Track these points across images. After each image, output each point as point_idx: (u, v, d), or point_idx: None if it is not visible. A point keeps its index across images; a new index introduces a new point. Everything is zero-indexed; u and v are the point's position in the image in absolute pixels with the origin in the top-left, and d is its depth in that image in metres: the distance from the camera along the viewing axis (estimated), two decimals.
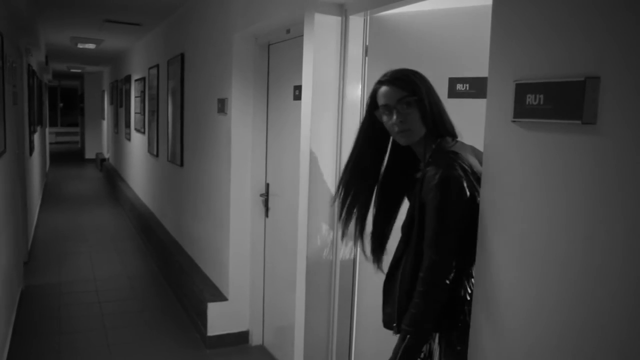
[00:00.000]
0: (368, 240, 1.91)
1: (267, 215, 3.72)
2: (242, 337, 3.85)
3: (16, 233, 4.64)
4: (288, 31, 3.26)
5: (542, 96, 1.33)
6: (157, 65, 6.43)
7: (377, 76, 2.54)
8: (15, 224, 4.60)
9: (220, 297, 3.89)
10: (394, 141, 1.80)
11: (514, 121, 1.42)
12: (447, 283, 1.57)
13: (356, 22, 2.57)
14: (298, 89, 3.17)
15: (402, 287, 1.67)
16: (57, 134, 21.04)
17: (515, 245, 1.45)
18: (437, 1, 2.27)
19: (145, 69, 7.29)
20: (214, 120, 4.14)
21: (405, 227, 1.72)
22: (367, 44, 2.57)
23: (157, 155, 6.56)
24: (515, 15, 1.44)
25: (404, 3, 2.25)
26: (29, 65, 7.23)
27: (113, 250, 6.32)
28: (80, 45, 8.30)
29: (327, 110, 2.64)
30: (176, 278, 4.81)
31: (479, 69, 2.18)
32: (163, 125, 6.12)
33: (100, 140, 15.97)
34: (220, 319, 3.79)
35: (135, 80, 8.34)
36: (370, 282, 2.46)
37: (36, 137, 8.55)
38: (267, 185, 3.71)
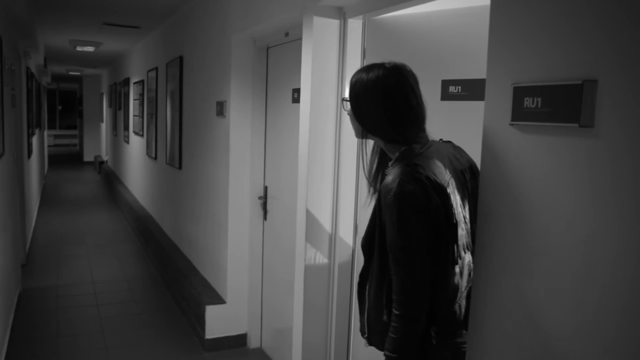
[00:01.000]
0: None
1: (265, 218, 3.71)
2: (240, 340, 3.85)
3: (14, 235, 4.64)
4: (287, 34, 3.27)
5: (539, 99, 1.33)
6: (156, 68, 6.43)
7: None
8: (14, 226, 4.60)
9: (219, 300, 3.88)
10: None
11: (511, 124, 1.43)
12: (424, 302, 1.52)
13: (354, 25, 2.58)
14: (297, 91, 3.17)
15: (370, 300, 1.65)
16: (56, 136, 21.03)
17: (513, 249, 1.45)
18: (434, 3, 2.27)
19: (144, 71, 7.29)
20: (213, 123, 4.14)
21: (365, 243, 1.64)
22: (365, 46, 2.58)
23: (155, 158, 6.56)
24: (513, 19, 1.45)
25: (402, 6, 2.25)
26: (27, 67, 7.23)
27: (111, 253, 6.31)
28: (79, 48, 8.31)
29: (325, 113, 2.64)
30: (174, 281, 4.80)
31: (472, 71, 2.19)
32: (162, 128, 6.12)
33: (98, 142, 15.97)
34: (218, 322, 3.79)
35: (134, 83, 8.34)
36: None
37: (34, 140, 8.55)
38: (266, 188, 3.70)
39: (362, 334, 1.72)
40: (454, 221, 1.55)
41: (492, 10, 1.52)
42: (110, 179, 10.93)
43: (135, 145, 8.31)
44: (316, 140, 2.65)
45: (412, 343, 1.53)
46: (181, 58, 5.15)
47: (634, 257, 1.15)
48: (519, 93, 1.39)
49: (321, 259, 2.69)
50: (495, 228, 1.51)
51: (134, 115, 8.34)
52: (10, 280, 4.17)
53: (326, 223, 2.68)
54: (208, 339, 3.77)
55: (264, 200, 3.69)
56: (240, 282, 3.83)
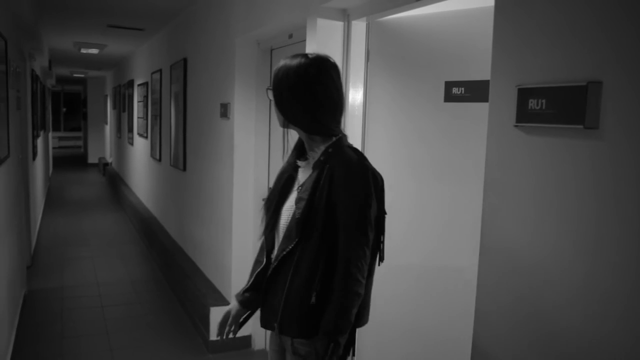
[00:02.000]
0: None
1: None
2: (244, 342, 3.85)
3: (19, 237, 4.65)
4: (290, 36, 3.27)
5: (544, 101, 1.33)
6: (160, 70, 6.45)
7: (379, 80, 2.57)
8: (19, 228, 4.61)
9: (223, 301, 3.89)
10: None
11: (516, 126, 1.43)
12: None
13: (358, 27, 2.58)
14: None
15: (296, 283, 1.56)
16: (60, 138, 21.10)
17: (517, 250, 1.45)
18: (437, 5, 2.28)
19: (148, 73, 7.31)
20: (217, 124, 4.15)
21: (300, 223, 1.55)
22: (369, 48, 2.58)
23: (159, 160, 6.58)
24: (517, 20, 1.45)
25: (406, 8, 2.26)
26: (32, 70, 7.26)
27: (116, 255, 6.32)
28: (83, 50, 8.34)
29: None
30: (179, 282, 4.81)
31: (475, 72, 2.19)
32: (166, 130, 6.13)
33: (103, 144, 16.00)
34: None
35: (138, 85, 8.37)
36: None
37: (39, 142, 8.58)
38: (270, 190, 3.71)
39: (268, 325, 1.65)
40: (385, 212, 1.61)
41: (496, 12, 1.52)
42: (114, 180, 10.95)
43: (140, 147, 8.33)
44: None
45: (353, 317, 1.54)
46: (185, 60, 5.16)
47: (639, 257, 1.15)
48: (524, 94, 1.40)
49: None
50: (499, 228, 1.51)
51: (138, 117, 8.36)
52: (16, 282, 4.19)
53: None
54: (212, 341, 3.77)
55: None
56: (245, 283, 3.83)
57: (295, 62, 1.59)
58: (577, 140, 1.27)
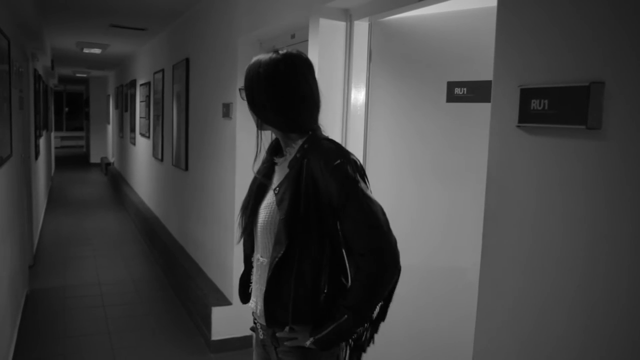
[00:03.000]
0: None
1: None
2: (246, 342, 3.85)
3: (22, 237, 4.66)
4: (293, 36, 3.28)
5: (546, 101, 1.33)
6: (162, 70, 6.46)
7: (381, 80, 2.57)
8: (21, 227, 4.62)
9: (225, 301, 3.89)
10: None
11: (518, 126, 1.43)
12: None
13: (361, 27, 2.58)
14: None
15: (299, 291, 1.48)
16: (63, 138, 21.13)
17: (519, 251, 1.45)
18: (440, 5, 2.28)
19: (151, 73, 7.32)
20: (219, 124, 4.15)
21: (288, 225, 1.46)
22: (371, 48, 2.58)
23: (161, 160, 6.58)
24: (520, 21, 1.45)
25: (408, 8, 2.26)
26: (35, 70, 7.27)
27: (118, 255, 6.33)
28: (85, 50, 8.35)
29: (332, 115, 2.64)
30: (181, 282, 4.81)
31: (477, 72, 2.19)
32: (168, 130, 6.14)
33: (105, 144, 16.03)
34: (224, 323, 3.79)
35: (141, 85, 8.38)
36: None
37: (42, 142, 8.59)
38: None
39: (276, 324, 1.54)
40: None
41: (498, 12, 1.52)
42: (116, 180, 10.97)
43: (142, 147, 8.34)
44: None
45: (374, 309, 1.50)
46: (187, 60, 5.16)
47: None
48: (526, 95, 1.39)
49: None
50: (501, 229, 1.50)
51: (141, 117, 8.37)
52: (18, 281, 4.19)
53: None
54: (214, 340, 3.77)
55: None
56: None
57: (265, 58, 1.53)
58: (579, 140, 1.27)
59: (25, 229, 5.07)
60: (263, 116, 1.55)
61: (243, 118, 3.72)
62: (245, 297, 1.71)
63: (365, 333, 1.56)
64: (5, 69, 3.58)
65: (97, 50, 8.40)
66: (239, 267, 3.78)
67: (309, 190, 1.45)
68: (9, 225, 3.68)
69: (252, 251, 1.65)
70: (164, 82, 6.35)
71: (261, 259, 1.57)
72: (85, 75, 15.13)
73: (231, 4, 3.89)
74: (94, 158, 16.47)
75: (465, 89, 2.26)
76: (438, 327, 2.38)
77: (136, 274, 5.58)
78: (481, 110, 2.11)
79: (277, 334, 1.54)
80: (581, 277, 1.28)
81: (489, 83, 1.59)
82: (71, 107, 21.80)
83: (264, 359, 1.69)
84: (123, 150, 11.13)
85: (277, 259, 1.47)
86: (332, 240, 1.49)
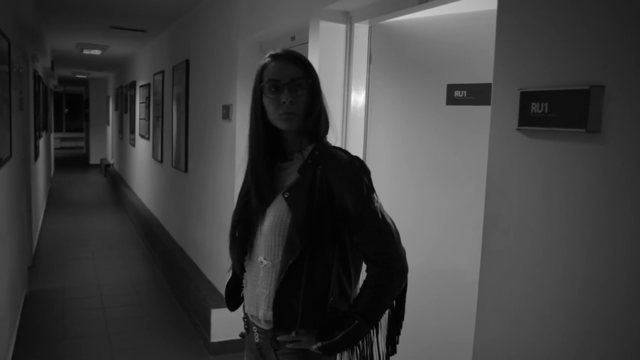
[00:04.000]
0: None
1: None
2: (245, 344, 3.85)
3: (21, 238, 4.66)
4: (293, 38, 3.28)
5: (546, 104, 1.33)
6: (162, 72, 6.46)
7: (381, 83, 2.57)
8: (20, 228, 4.62)
9: (224, 303, 3.87)
10: (265, 128, 1.55)
11: (518, 129, 1.43)
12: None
13: (361, 30, 2.58)
14: None
15: (309, 295, 1.47)
16: (62, 139, 21.13)
17: (519, 254, 1.45)
18: (440, 8, 2.28)
19: (150, 75, 7.32)
20: (219, 126, 4.15)
21: (302, 230, 1.46)
22: (371, 51, 2.59)
23: (161, 161, 6.58)
24: (520, 24, 1.45)
25: (409, 11, 2.26)
26: (35, 71, 7.27)
27: (117, 256, 6.33)
28: (85, 51, 8.35)
29: (332, 116, 2.64)
30: (180, 284, 4.81)
31: (477, 75, 2.19)
32: (167, 131, 6.14)
33: (104, 145, 16.03)
34: (223, 325, 3.79)
35: (140, 86, 8.38)
36: None
37: (41, 143, 8.59)
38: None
39: (283, 327, 1.51)
40: None
41: (499, 15, 1.53)
42: (116, 181, 10.97)
43: (141, 148, 8.34)
44: None
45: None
46: (187, 61, 5.17)
47: None
48: (526, 98, 1.40)
49: None
50: (501, 232, 1.51)
51: (140, 119, 8.37)
52: (17, 283, 4.19)
53: None
54: (213, 342, 3.77)
55: None
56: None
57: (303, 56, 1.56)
58: (579, 144, 1.27)
59: (24, 230, 5.06)
60: (312, 110, 1.50)
61: (243, 120, 3.72)
62: (234, 304, 1.71)
63: (370, 344, 1.55)
64: (5, 70, 3.58)
65: (97, 52, 8.41)
66: None
67: (324, 197, 1.45)
68: (8, 227, 3.68)
69: (244, 255, 1.62)
70: (164, 83, 6.36)
71: (265, 262, 1.53)
72: (85, 77, 15.14)
73: (231, 6, 3.89)
74: (94, 159, 16.47)
75: (465, 91, 2.26)
76: (437, 327, 2.37)
77: (135, 276, 5.58)
78: (481, 113, 2.11)
79: (279, 338, 1.52)
80: (581, 280, 1.28)
81: (489, 86, 1.59)
82: (71, 108, 21.81)
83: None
84: (123, 152, 11.13)
85: (290, 262, 1.46)
86: (340, 246, 1.49)
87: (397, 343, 1.59)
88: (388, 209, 1.61)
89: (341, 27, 2.61)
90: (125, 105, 10.48)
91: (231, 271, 1.72)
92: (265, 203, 1.54)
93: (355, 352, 1.56)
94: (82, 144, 20.37)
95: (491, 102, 1.54)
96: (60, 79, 15.79)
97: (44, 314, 4.45)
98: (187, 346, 3.91)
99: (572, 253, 1.30)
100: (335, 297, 1.49)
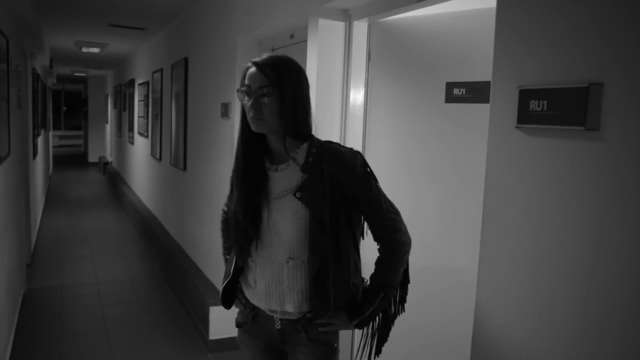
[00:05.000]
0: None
1: None
2: None
3: (19, 235, 4.65)
4: (292, 36, 3.28)
5: (545, 102, 1.34)
6: (161, 70, 6.45)
7: (380, 81, 2.57)
8: (19, 226, 4.61)
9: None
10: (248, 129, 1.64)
11: (517, 127, 1.43)
12: None
13: (360, 28, 2.58)
14: None
15: (339, 282, 1.60)
16: (61, 137, 21.09)
17: (517, 251, 1.45)
18: (439, 6, 2.28)
19: (149, 73, 7.32)
20: (217, 124, 4.15)
21: (323, 227, 1.57)
22: (370, 49, 2.59)
23: (160, 159, 6.58)
24: (519, 22, 1.45)
25: (408, 9, 2.26)
26: (33, 69, 7.26)
27: (116, 254, 6.33)
28: (84, 49, 8.34)
29: (330, 115, 2.65)
30: (178, 282, 4.81)
31: (476, 73, 2.19)
32: (166, 129, 6.14)
33: (103, 143, 16.01)
34: (222, 323, 3.79)
35: (139, 84, 8.37)
36: None
37: (40, 141, 8.58)
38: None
39: (319, 316, 1.63)
40: None
41: (498, 13, 1.53)
42: (114, 179, 10.96)
43: (140, 146, 8.33)
44: None
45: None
46: (186, 59, 5.16)
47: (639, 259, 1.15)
48: (525, 96, 1.40)
49: None
50: (500, 229, 1.51)
51: (139, 117, 8.37)
52: (15, 280, 4.19)
53: None
54: (212, 340, 3.77)
55: None
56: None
57: (289, 59, 1.63)
58: (578, 141, 1.28)
59: (22, 228, 5.06)
60: (291, 117, 1.57)
61: None
62: (230, 302, 1.82)
63: (393, 307, 1.77)
64: (3, 68, 3.58)
65: (95, 50, 8.40)
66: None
67: (335, 190, 1.57)
68: (6, 224, 3.68)
69: (248, 254, 1.68)
70: (163, 81, 6.35)
71: (291, 261, 1.61)
72: (83, 75, 15.12)
73: (230, 4, 3.88)
74: (92, 157, 16.45)
75: (464, 89, 2.26)
76: (435, 323, 2.38)
77: (134, 274, 5.58)
78: (480, 111, 2.11)
79: (317, 322, 1.63)
80: (579, 277, 1.28)
81: (488, 84, 1.59)
82: (69, 106, 21.77)
83: (269, 351, 1.77)
84: (121, 150, 11.12)
85: (319, 258, 1.58)
86: (351, 228, 1.63)
87: (405, 302, 1.79)
88: None
89: (340, 25, 2.60)
90: (124, 103, 10.47)
91: (230, 272, 1.75)
92: (257, 206, 1.64)
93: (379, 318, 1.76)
94: (80, 142, 20.34)
95: (490, 100, 1.54)
96: (58, 77, 15.76)
97: (42, 311, 4.45)
98: (186, 344, 3.91)
99: (570, 250, 1.30)
100: (352, 273, 1.64)
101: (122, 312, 4.50)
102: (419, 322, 2.41)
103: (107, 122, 15.12)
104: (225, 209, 1.88)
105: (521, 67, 1.43)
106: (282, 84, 1.55)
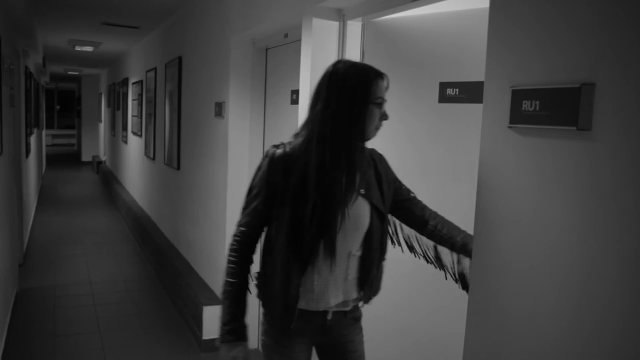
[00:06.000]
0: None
1: None
2: None
3: (12, 235, 4.63)
4: (286, 35, 3.27)
5: (538, 102, 1.34)
6: (155, 69, 6.43)
7: None
8: (11, 226, 4.59)
9: (216, 300, 3.88)
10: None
11: (510, 127, 1.43)
12: None
13: (354, 27, 2.58)
14: (295, 93, 3.18)
15: (379, 259, 1.82)
16: (54, 136, 21.01)
17: (510, 251, 1.46)
18: (432, 6, 2.28)
19: (143, 72, 7.29)
20: (211, 123, 4.14)
21: (385, 210, 1.81)
22: (364, 48, 2.59)
23: (153, 158, 6.56)
24: (512, 22, 1.45)
25: (401, 8, 2.26)
26: (26, 67, 7.22)
27: (109, 253, 6.30)
28: (77, 48, 8.31)
29: None
30: (172, 281, 4.80)
31: (469, 73, 2.20)
32: (160, 128, 6.12)
33: (97, 142, 15.96)
34: (215, 323, 3.76)
35: (133, 83, 8.34)
36: None
37: (33, 139, 8.54)
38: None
39: (369, 300, 1.84)
40: None
41: (491, 13, 1.53)
42: (108, 179, 10.92)
43: (134, 146, 8.30)
44: None
45: None
46: (180, 58, 5.15)
47: (633, 259, 1.15)
48: (518, 96, 1.40)
49: None
50: (493, 230, 1.51)
51: (133, 116, 8.34)
52: (8, 280, 4.16)
53: None
54: (205, 340, 3.76)
55: None
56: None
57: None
58: (570, 141, 1.28)
59: (15, 227, 5.03)
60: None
61: (235, 117, 3.71)
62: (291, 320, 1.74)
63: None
64: None
65: (89, 48, 8.36)
66: None
67: (384, 184, 1.81)
68: None
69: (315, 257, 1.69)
70: (157, 80, 6.33)
71: (355, 253, 1.76)
72: (77, 73, 15.05)
73: (224, 3, 3.88)
74: (86, 156, 16.39)
75: (457, 89, 2.26)
76: (428, 322, 2.38)
77: (127, 273, 5.56)
78: (473, 111, 2.12)
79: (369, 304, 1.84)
80: (572, 277, 1.28)
81: (481, 84, 1.59)
82: (63, 105, 21.67)
83: (310, 348, 1.87)
84: (115, 149, 11.08)
85: (372, 247, 1.77)
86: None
87: None
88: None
89: (334, 25, 2.60)
90: (117, 102, 10.43)
91: (297, 293, 1.71)
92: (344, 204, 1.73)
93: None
94: (74, 141, 20.26)
95: (483, 100, 1.55)
96: (52, 76, 15.69)
97: (35, 311, 4.43)
98: (179, 343, 3.90)
99: (562, 250, 1.31)
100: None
101: (115, 311, 4.49)
102: (412, 320, 2.42)
103: (100, 121, 15.07)
104: (244, 229, 1.87)
105: (514, 67, 1.44)
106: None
